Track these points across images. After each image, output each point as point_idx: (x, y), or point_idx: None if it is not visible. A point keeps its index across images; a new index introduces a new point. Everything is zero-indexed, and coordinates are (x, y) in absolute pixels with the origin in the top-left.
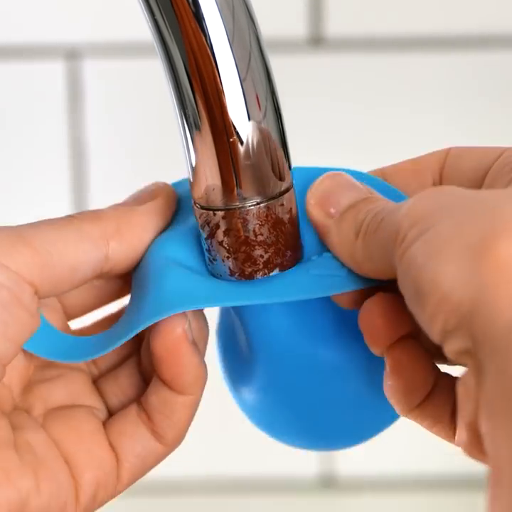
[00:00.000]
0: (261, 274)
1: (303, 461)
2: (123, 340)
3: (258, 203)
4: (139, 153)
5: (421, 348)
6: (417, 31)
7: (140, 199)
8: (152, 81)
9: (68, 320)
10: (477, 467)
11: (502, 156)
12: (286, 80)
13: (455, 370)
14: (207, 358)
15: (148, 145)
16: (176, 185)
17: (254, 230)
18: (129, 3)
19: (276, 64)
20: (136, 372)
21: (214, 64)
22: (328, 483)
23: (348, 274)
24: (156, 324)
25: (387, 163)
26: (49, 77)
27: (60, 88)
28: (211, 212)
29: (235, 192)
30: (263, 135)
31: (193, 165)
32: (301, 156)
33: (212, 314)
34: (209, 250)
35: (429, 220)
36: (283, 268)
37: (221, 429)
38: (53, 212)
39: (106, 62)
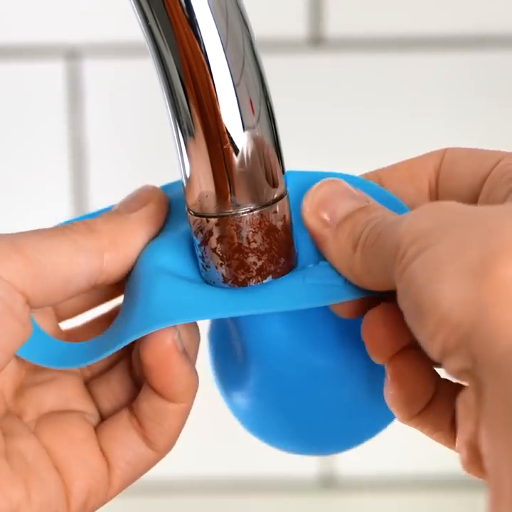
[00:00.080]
0: (254, 281)
1: (303, 461)
2: (112, 351)
3: (251, 210)
4: (139, 153)
5: (422, 358)
6: (417, 31)
7: (132, 206)
8: (152, 81)
9: (59, 321)
10: None
11: (500, 163)
12: (285, 80)
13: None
14: (205, 358)
15: (149, 145)
16: (165, 188)
17: (247, 237)
18: (129, 4)
19: (276, 64)
20: (127, 376)
21: (208, 71)
22: (328, 483)
23: (345, 283)
24: (145, 335)
25: (388, 162)
26: (49, 77)
27: (60, 88)
28: (205, 219)
29: (229, 199)
30: (257, 142)
31: (187, 172)
32: (301, 156)
33: None
34: (202, 257)
35: (429, 238)
36: (276, 275)
37: (221, 429)
38: (53, 212)
39: (106, 62)
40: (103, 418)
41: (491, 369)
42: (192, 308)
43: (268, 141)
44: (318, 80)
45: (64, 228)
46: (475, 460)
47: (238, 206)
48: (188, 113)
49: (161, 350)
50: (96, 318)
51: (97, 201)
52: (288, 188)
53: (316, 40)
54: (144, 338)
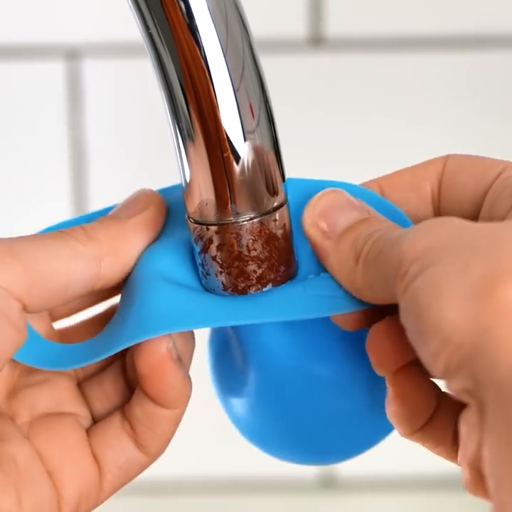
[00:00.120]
0: (254, 289)
1: None
2: (107, 355)
3: (252, 219)
4: (139, 153)
5: (424, 374)
6: (417, 31)
7: (130, 211)
8: (152, 81)
9: (53, 321)
10: None
11: (501, 175)
12: (285, 80)
13: None
14: (205, 358)
15: (149, 145)
16: (163, 192)
17: (247, 245)
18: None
19: (276, 64)
20: (121, 378)
21: (208, 76)
22: (328, 483)
23: (345, 295)
24: (139, 342)
25: (388, 161)
26: (49, 77)
27: (60, 88)
28: (205, 226)
29: (229, 207)
30: (257, 149)
31: (187, 179)
32: (301, 156)
33: None
34: (202, 265)
35: (431, 257)
36: (276, 283)
37: (221, 429)
38: (53, 212)
39: (106, 62)
40: (95, 420)
41: (493, 390)
42: (191, 316)
43: (268, 147)
44: (318, 80)
45: (62, 234)
46: (478, 481)
47: (238, 214)
48: (188, 119)
49: (156, 359)
50: (90, 318)
51: (97, 201)
52: (288, 196)
53: (316, 40)
54: (138, 344)
